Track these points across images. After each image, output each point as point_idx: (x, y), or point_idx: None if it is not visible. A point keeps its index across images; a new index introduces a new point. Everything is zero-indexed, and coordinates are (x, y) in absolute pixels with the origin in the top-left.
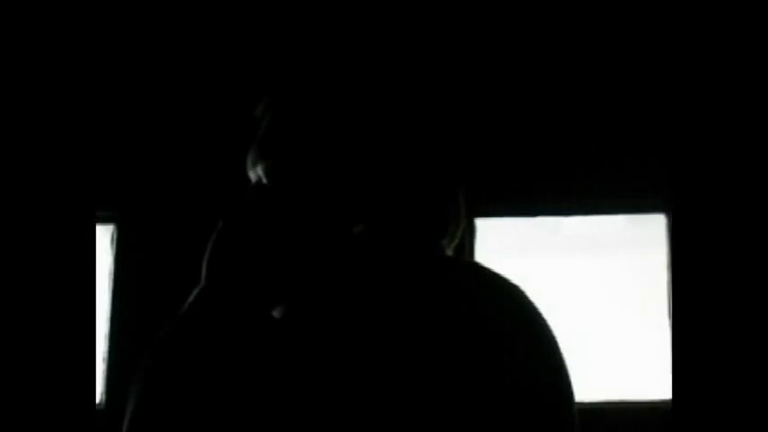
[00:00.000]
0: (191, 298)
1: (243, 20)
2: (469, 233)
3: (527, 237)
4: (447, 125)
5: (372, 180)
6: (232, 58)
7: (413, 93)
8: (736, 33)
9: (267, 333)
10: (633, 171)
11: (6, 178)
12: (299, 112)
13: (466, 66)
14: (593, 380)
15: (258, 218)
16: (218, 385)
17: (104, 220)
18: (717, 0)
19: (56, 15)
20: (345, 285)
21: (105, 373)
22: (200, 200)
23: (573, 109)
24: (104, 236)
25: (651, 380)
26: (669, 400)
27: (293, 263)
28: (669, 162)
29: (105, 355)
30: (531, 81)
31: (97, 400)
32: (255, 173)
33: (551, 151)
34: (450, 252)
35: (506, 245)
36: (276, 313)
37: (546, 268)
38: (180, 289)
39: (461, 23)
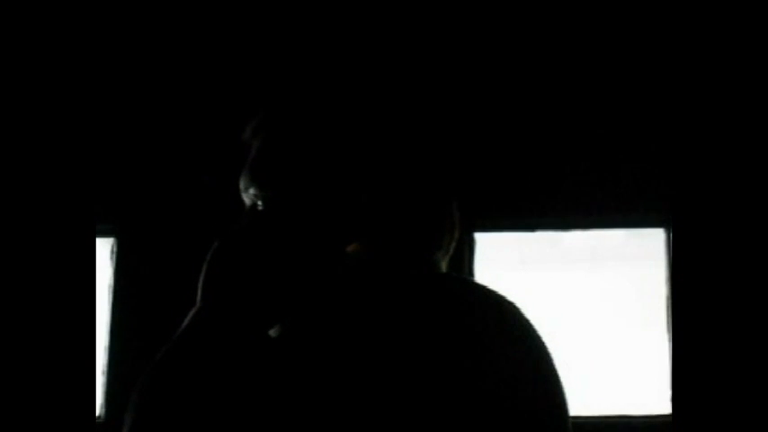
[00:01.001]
0: (186, 319)
1: (241, 36)
2: (469, 247)
3: (527, 250)
4: (446, 140)
5: (365, 196)
6: (231, 75)
7: (408, 107)
8: (732, 48)
9: (262, 353)
10: (632, 187)
11: (7, 191)
12: (288, 134)
13: (465, 80)
14: (591, 394)
15: (252, 239)
16: (213, 405)
17: (104, 234)
18: (713, 16)
19: (57, 35)
20: (339, 304)
21: (105, 385)
22: (200, 213)
23: (573, 125)
24: (104, 249)
25: (650, 394)
26: (667, 415)
27: (288, 283)
28: (668, 178)
29: (105, 367)
30: (531, 97)
31: (97, 413)
32: (249, 196)
33: (551, 167)
34: (444, 265)
35: (506, 257)
36: (272, 333)
37: (545, 281)
38: (179, 301)
39: (461, 37)
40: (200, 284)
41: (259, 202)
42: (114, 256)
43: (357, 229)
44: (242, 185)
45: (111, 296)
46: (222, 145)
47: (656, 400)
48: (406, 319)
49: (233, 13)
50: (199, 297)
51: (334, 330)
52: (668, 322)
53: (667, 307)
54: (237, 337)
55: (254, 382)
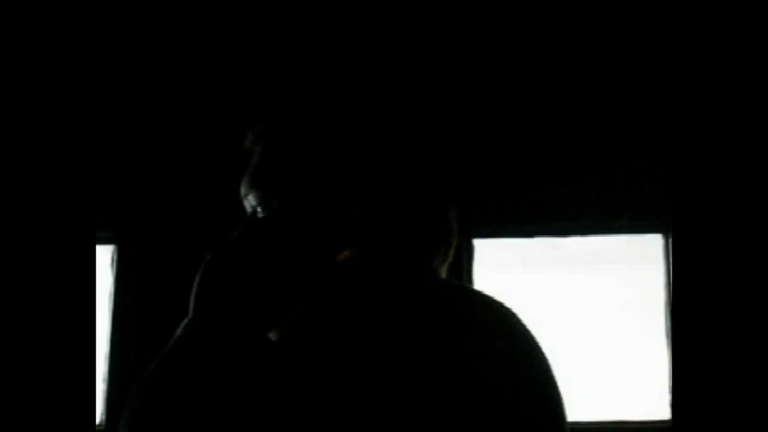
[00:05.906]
0: (178, 330)
1: (242, 42)
2: (467, 254)
3: (528, 252)
4: (444, 147)
5: (362, 204)
6: (232, 82)
7: (406, 114)
8: (730, 51)
9: (254, 363)
10: (630, 193)
11: (8, 199)
12: (288, 142)
13: (464, 85)
14: (589, 399)
15: (244, 250)
16: (204, 416)
17: (104, 242)
18: (711, 22)
19: (57, 42)
20: (334, 313)
21: (105, 393)
22: (201, 222)
23: (572, 131)
24: (104, 257)
25: (648, 399)
26: (664, 420)
27: (281, 292)
28: (665, 184)
29: (105, 375)
30: (530, 103)
31: (97, 421)
32: (249, 203)
33: (551, 173)
34: (443, 271)
35: (507, 260)
36: (266, 342)
37: (546, 284)
38: (180, 310)
39: (457, 41)
40: (192, 295)
41: (258, 209)
42: (115, 264)
43: (350, 237)
44: (242, 192)
45: (111, 304)
46: (224, 154)
47: (654, 405)
48: (400, 328)
49: (233, 19)
50: (191, 308)
51: (328, 340)
52: (666, 327)
53: (666, 311)
54: (228, 347)
55: (245, 392)
